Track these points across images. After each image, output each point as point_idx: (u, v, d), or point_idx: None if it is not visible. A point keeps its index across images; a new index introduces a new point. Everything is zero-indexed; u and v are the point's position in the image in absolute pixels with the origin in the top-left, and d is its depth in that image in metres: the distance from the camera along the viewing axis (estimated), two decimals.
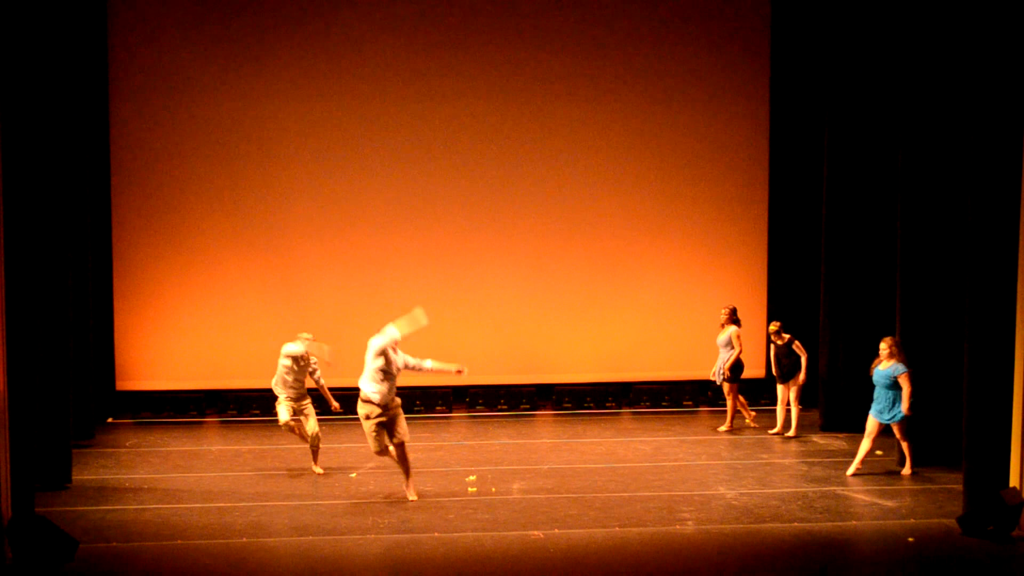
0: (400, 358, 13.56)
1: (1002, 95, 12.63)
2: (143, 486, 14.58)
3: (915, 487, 14.42)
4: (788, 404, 16.79)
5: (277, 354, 18.71)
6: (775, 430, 16.86)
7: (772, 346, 16.81)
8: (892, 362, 14.54)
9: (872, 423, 14.69)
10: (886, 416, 14.60)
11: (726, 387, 17.16)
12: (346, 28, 18.45)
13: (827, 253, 17.27)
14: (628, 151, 18.91)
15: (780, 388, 16.82)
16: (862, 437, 14.80)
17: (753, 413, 17.51)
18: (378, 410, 13.51)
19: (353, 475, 14.86)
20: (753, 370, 18.75)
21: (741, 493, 14.16)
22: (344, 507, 13.66)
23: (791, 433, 16.69)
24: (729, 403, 17.24)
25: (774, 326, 16.78)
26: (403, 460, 13.74)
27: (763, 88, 18.90)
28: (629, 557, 12.14)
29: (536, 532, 12.74)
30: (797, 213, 18.81)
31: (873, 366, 14.75)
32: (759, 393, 18.75)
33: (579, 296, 18.97)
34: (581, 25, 18.70)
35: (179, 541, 12.52)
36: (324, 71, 18.44)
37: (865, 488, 14.36)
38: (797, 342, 16.62)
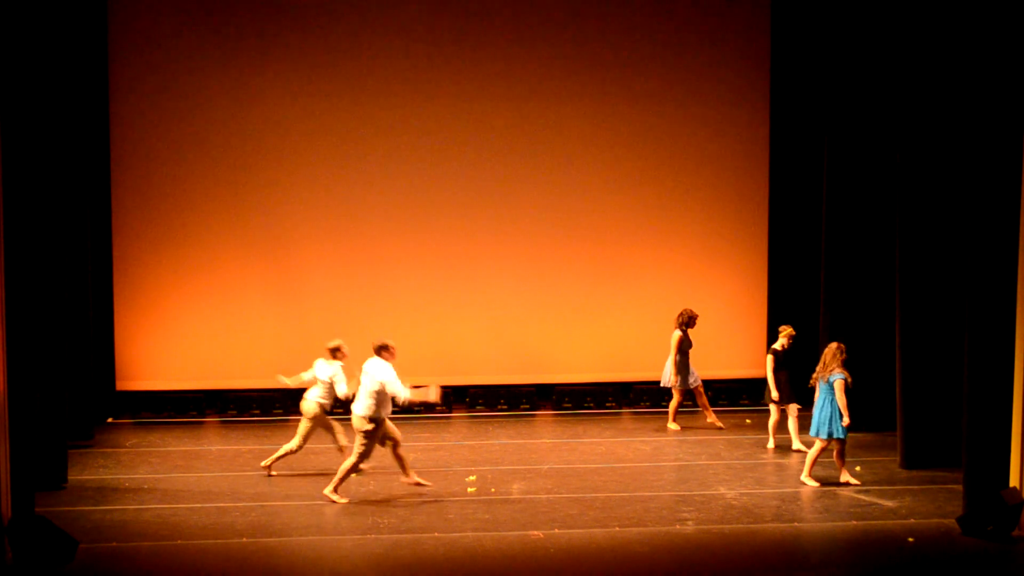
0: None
1: (1002, 96, 12.64)
2: (143, 486, 14.58)
3: (915, 487, 14.42)
4: (781, 422, 16.13)
5: (277, 354, 18.80)
6: (770, 446, 16.18)
7: (772, 357, 15.94)
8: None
9: (823, 444, 14.34)
10: (839, 432, 14.14)
11: (700, 387, 17.26)
12: (348, 30, 18.43)
13: (827, 254, 17.27)
14: (628, 153, 18.90)
15: (774, 409, 16.09)
16: (846, 441, 14.41)
17: (677, 426, 17.37)
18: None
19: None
20: (752, 370, 18.81)
21: (741, 493, 14.16)
22: (344, 507, 13.66)
23: (796, 446, 16.08)
24: (701, 398, 17.32)
25: (790, 330, 16.06)
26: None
27: (763, 91, 18.88)
28: (629, 557, 12.15)
29: (536, 532, 12.74)
30: (797, 214, 18.80)
31: (836, 373, 14.14)
32: (759, 393, 18.79)
33: (579, 296, 18.97)
34: (580, 28, 18.68)
35: (179, 541, 12.52)
36: (325, 72, 18.43)
37: (865, 488, 14.36)
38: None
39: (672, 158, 18.96)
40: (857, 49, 16.69)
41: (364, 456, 13.77)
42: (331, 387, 14.74)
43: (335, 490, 13.81)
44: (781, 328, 16.20)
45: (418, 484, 14.02)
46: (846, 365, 14.27)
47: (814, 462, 14.47)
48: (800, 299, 18.49)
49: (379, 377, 13.62)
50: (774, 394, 15.90)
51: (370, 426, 13.64)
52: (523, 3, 18.67)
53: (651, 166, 18.95)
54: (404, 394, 13.61)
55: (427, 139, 18.65)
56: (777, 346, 16.02)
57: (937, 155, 14.87)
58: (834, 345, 14.41)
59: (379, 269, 18.70)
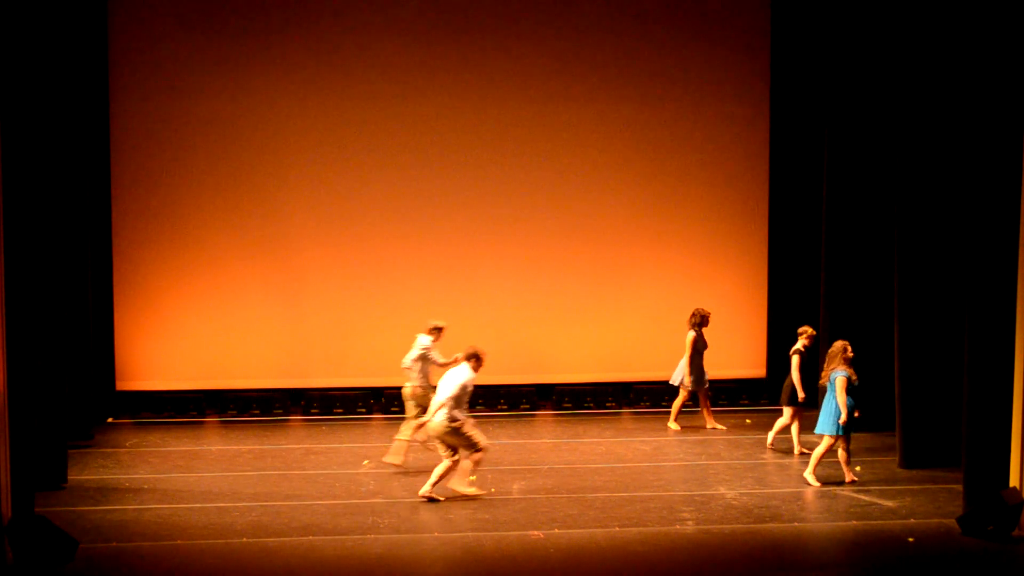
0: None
1: (1002, 96, 12.64)
2: (143, 486, 14.58)
3: (915, 487, 14.42)
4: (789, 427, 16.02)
5: (277, 354, 18.79)
6: (797, 451, 15.92)
7: (799, 358, 15.66)
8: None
9: (830, 441, 14.39)
10: (840, 429, 14.23)
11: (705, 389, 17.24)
12: (348, 30, 18.42)
13: (827, 254, 17.27)
14: (628, 152, 18.89)
15: (789, 411, 15.83)
16: (847, 439, 14.43)
17: (678, 426, 17.38)
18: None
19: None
20: (752, 370, 18.82)
21: (741, 493, 14.16)
22: (344, 507, 13.66)
23: (798, 451, 15.97)
24: (705, 402, 17.30)
25: (811, 331, 15.87)
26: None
27: (763, 89, 18.88)
28: (629, 557, 12.15)
29: (536, 532, 12.74)
30: (797, 214, 18.78)
31: (838, 371, 14.21)
32: (759, 393, 18.83)
33: (579, 296, 18.96)
34: (581, 27, 18.67)
35: (179, 541, 12.52)
36: (325, 72, 18.42)
37: (865, 488, 14.35)
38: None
39: (672, 157, 18.94)
40: (857, 48, 16.68)
41: (476, 445, 13.83)
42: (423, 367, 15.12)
43: (471, 484, 14.07)
44: (802, 329, 15.89)
45: (431, 498, 13.84)
46: (852, 363, 14.26)
47: (819, 460, 14.47)
48: (800, 299, 18.47)
49: (457, 380, 13.72)
50: (801, 395, 15.60)
51: (455, 425, 13.69)
52: (522, 3, 18.67)
53: (650, 165, 18.93)
54: (446, 405, 13.66)
55: (427, 139, 18.64)
56: (800, 347, 15.74)
57: (937, 154, 14.86)
58: (839, 343, 14.41)
59: (379, 269, 18.70)
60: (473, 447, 13.81)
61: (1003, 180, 12.64)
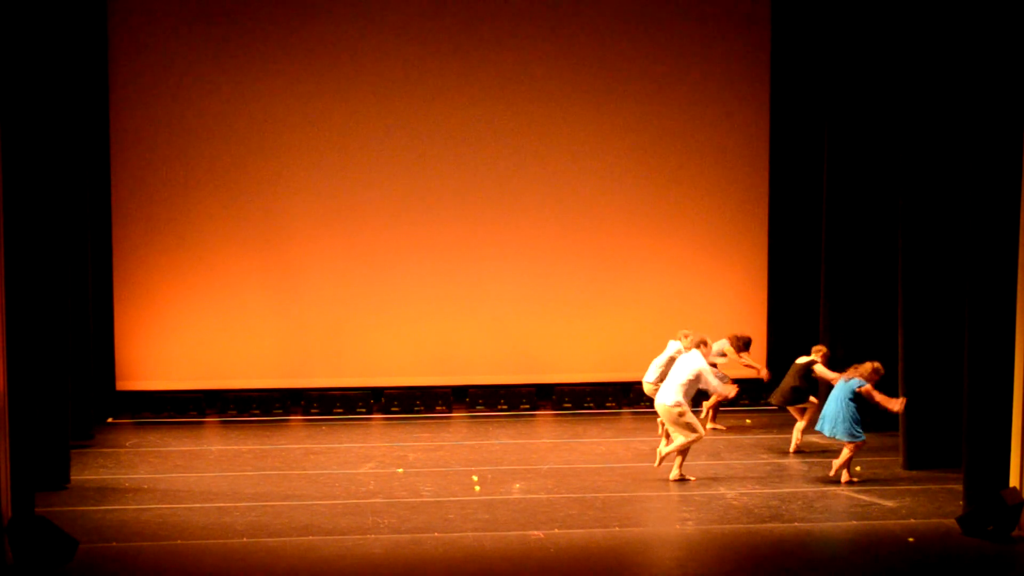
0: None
1: (1002, 95, 12.64)
2: (143, 486, 14.58)
3: (915, 487, 14.42)
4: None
5: (277, 353, 18.74)
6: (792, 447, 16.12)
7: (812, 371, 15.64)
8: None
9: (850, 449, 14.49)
10: (861, 435, 14.35)
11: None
12: (346, 26, 18.44)
13: (827, 253, 17.26)
14: (628, 151, 18.90)
15: (794, 409, 16.00)
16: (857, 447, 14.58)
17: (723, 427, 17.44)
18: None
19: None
20: (752, 369, 18.85)
21: (741, 493, 14.16)
22: (344, 507, 13.66)
23: (793, 447, 16.08)
24: (714, 405, 17.29)
25: (826, 350, 15.77)
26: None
27: (763, 88, 18.88)
28: (629, 557, 12.15)
29: (536, 532, 12.74)
30: (797, 213, 18.79)
31: (860, 380, 14.35)
32: (759, 393, 18.82)
33: (579, 296, 18.97)
34: (581, 24, 18.68)
35: (179, 541, 12.52)
36: (324, 69, 18.43)
37: (865, 488, 14.36)
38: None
39: (672, 156, 18.94)
40: (857, 45, 16.67)
41: (694, 429, 14.45)
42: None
43: (680, 472, 14.58)
44: (817, 348, 15.73)
45: (681, 479, 14.60)
46: (878, 385, 14.32)
47: (846, 464, 14.48)
48: (800, 299, 18.48)
49: (694, 367, 14.46)
50: (814, 400, 15.71)
51: (680, 409, 14.36)
52: (524, 2, 18.65)
53: (651, 164, 18.93)
54: (716, 385, 14.72)
55: (425, 136, 18.64)
56: (816, 359, 15.57)
57: (938, 152, 14.85)
58: (877, 364, 14.42)
59: (379, 267, 18.70)
60: (694, 434, 14.42)
61: (1003, 180, 12.64)
